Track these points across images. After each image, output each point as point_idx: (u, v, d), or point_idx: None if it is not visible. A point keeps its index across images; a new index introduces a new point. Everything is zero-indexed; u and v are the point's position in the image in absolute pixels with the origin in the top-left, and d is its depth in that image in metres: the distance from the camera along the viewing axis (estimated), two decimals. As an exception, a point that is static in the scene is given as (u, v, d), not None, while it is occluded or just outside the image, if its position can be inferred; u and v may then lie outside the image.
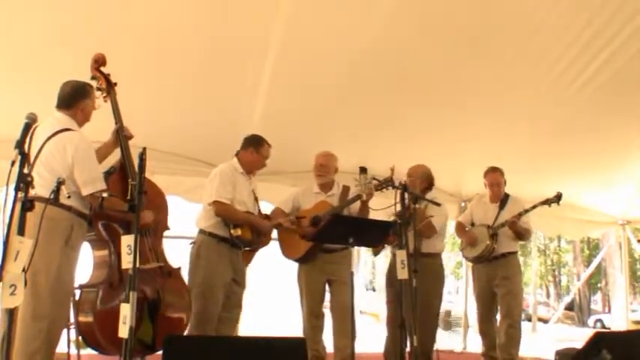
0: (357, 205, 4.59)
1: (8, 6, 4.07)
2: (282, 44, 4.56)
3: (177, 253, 4.25)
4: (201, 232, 4.24)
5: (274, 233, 4.82)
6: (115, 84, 3.79)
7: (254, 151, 4.38)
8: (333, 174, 4.80)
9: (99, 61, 3.74)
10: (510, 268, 5.16)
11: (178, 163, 5.92)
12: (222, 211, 4.16)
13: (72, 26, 4.28)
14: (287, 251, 4.76)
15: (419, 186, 4.84)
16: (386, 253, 5.36)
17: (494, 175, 5.32)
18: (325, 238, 4.33)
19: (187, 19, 4.38)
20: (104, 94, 3.72)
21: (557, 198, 5.18)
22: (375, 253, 5.19)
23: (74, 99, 3.40)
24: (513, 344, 4.98)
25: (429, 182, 4.97)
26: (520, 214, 5.04)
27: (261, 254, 4.98)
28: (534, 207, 5.16)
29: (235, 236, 4.15)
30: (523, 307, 5.84)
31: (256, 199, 4.51)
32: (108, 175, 3.50)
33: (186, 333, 3.90)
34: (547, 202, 5.20)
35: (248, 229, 4.25)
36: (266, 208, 5.17)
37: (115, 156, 3.72)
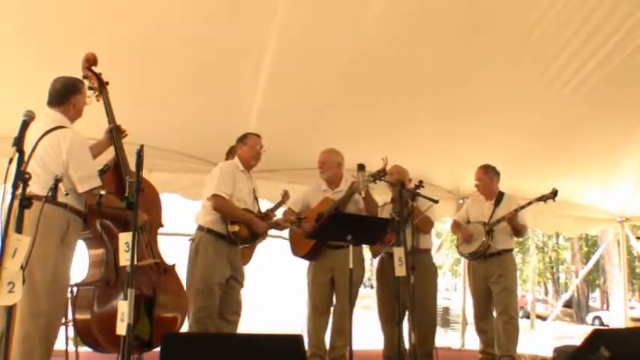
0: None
1: (5, 6, 4.06)
2: (279, 44, 4.57)
3: (176, 250, 4.25)
4: (200, 228, 4.25)
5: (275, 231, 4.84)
6: (107, 83, 3.76)
7: (242, 144, 4.45)
8: (337, 169, 4.80)
9: (90, 61, 3.73)
10: (506, 265, 5.17)
11: (176, 160, 5.92)
12: (220, 206, 4.16)
13: (69, 25, 4.26)
14: (295, 249, 4.81)
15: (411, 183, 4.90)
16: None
17: (476, 173, 5.40)
18: (324, 236, 4.35)
19: (185, 17, 4.37)
20: (96, 93, 3.71)
21: (553, 194, 5.15)
22: (374, 255, 5.20)
23: (65, 95, 3.39)
24: (511, 340, 4.99)
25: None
26: (517, 210, 5.06)
27: (262, 252, 5.00)
28: (530, 203, 5.16)
29: (232, 232, 4.16)
30: (521, 305, 5.85)
31: (256, 199, 4.53)
32: (102, 173, 3.48)
33: (186, 330, 3.90)
34: (543, 198, 5.18)
35: (245, 226, 4.26)
36: (263, 205, 5.17)
37: (110, 153, 3.71)
